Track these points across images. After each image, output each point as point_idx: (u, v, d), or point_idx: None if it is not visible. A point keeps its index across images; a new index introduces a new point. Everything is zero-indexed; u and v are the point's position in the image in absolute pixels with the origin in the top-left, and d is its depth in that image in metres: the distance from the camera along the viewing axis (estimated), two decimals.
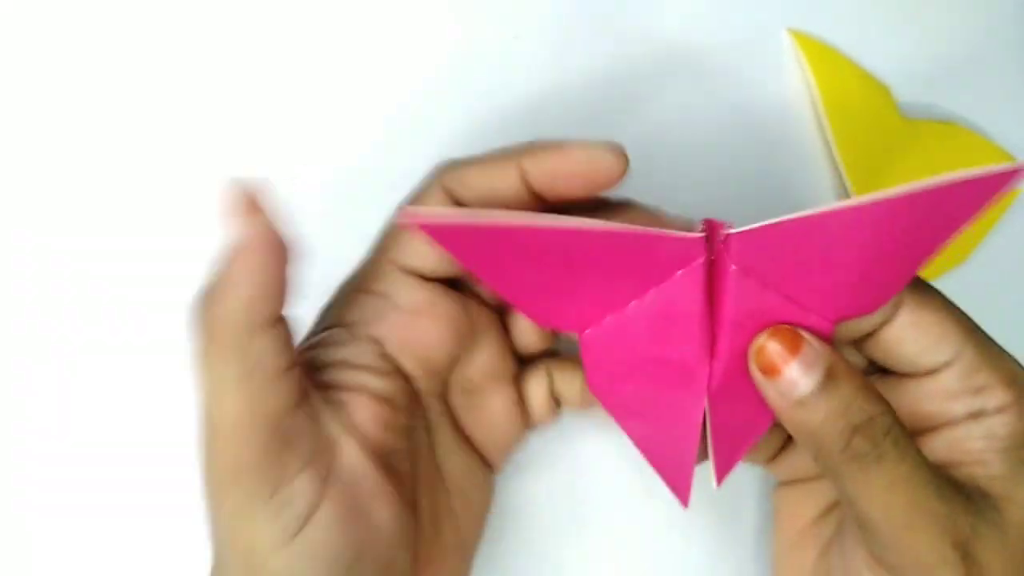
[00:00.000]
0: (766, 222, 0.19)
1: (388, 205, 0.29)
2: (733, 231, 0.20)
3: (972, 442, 0.21)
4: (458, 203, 0.22)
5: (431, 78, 0.30)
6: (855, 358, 0.23)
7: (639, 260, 0.20)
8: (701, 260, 0.20)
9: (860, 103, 0.32)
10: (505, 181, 0.21)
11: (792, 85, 0.32)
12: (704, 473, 0.25)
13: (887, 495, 0.20)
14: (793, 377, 0.20)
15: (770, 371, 0.20)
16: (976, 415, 0.21)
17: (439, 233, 0.19)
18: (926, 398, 0.22)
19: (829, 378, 0.20)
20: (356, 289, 0.23)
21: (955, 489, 0.21)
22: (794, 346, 0.20)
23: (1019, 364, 0.22)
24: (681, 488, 0.24)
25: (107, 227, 0.28)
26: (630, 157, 0.30)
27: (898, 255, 0.20)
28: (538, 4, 0.31)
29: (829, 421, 0.20)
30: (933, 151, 0.32)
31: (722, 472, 0.24)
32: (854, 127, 0.31)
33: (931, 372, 0.22)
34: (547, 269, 0.20)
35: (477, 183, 0.22)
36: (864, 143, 0.31)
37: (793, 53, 0.32)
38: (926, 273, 0.31)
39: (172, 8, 0.29)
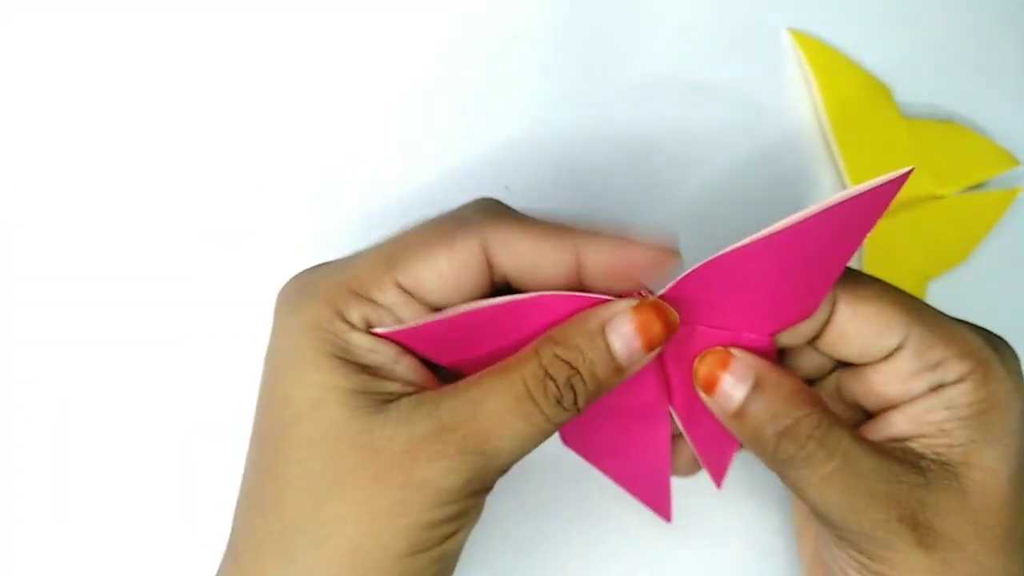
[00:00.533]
0: (682, 275, 0.20)
1: (387, 206, 0.29)
2: (655, 294, 0.21)
3: (934, 414, 0.22)
4: (492, 265, 0.21)
5: (432, 78, 0.30)
6: (820, 359, 0.24)
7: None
8: None
9: (861, 103, 0.32)
10: (556, 263, 0.20)
11: (793, 85, 0.32)
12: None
13: (822, 489, 0.21)
14: (727, 390, 0.21)
15: (708, 388, 0.22)
16: (936, 389, 0.22)
17: (408, 339, 0.21)
18: (887, 382, 0.23)
19: (758, 388, 0.21)
20: (350, 287, 0.21)
21: (903, 465, 0.21)
22: (724, 363, 0.22)
23: (975, 333, 0.23)
24: (661, 507, 0.27)
25: (107, 226, 0.29)
26: (630, 157, 0.31)
27: (817, 265, 0.21)
28: (538, 3, 0.31)
29: (760, 428, 0.21)
30: (933, 150, 0.32)
31: (718, 477, 0.26)
32: (855, 127, 0.32)
33: (886, 358, 0.23)
34: (508, 343, 0.21)
35: (525, 254, 0.20)
36: (865, 142, 0.32)
37: (794, 53, 0.32)
38: (928, 274, 0.32)
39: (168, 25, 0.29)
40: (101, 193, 0.28)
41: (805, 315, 0.22)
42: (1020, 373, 0.23)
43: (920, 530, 0.21)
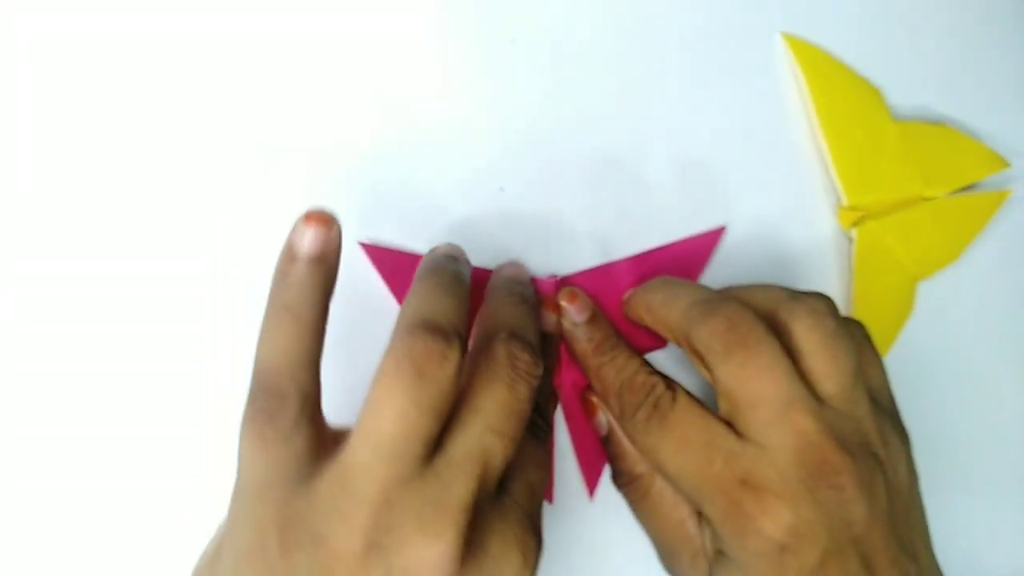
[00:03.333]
0: (576, 272, 0.29)
1: (384, 207, 0.29)
2: (561, 277, 0.29)
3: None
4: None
5: (428, 81, 0.30)
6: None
7: None
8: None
9: (852, 106, 0.32)
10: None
11: (785, 88, 0.32)
12: None
13: (665, 450, 0.25)
14: (570, 312, 0.28)
15: (558, 310, 0.28)
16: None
17: (376, 255, 0.28)
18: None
19: (593, 318, 0.28)
20: None
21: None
22: (573, 297, 0.28)
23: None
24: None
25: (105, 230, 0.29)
26: (623, 160, 0.31)
27: None
28: (533, 6, 0.31)
29: (606, 376, 0.27)
30: (924, 152, 0.32)
31: (591, 485, 0.30)
32: (846, 129, 0.32)
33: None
34: None
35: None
36: (856, 145, 0.32)
37: (786, 56, 0.32)
38: (918, 275, 0.32)
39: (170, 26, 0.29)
40: (101, 193, 0.28)
41: (662, 343, 0.30)
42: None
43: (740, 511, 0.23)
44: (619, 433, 0.28)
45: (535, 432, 0.25)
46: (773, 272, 0.31)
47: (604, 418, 0.28)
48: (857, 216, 0.31)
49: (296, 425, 0.20)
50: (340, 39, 0.30)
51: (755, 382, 0.23)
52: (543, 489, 0.24)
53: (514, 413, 0.22)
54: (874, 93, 0.32)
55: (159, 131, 0.29)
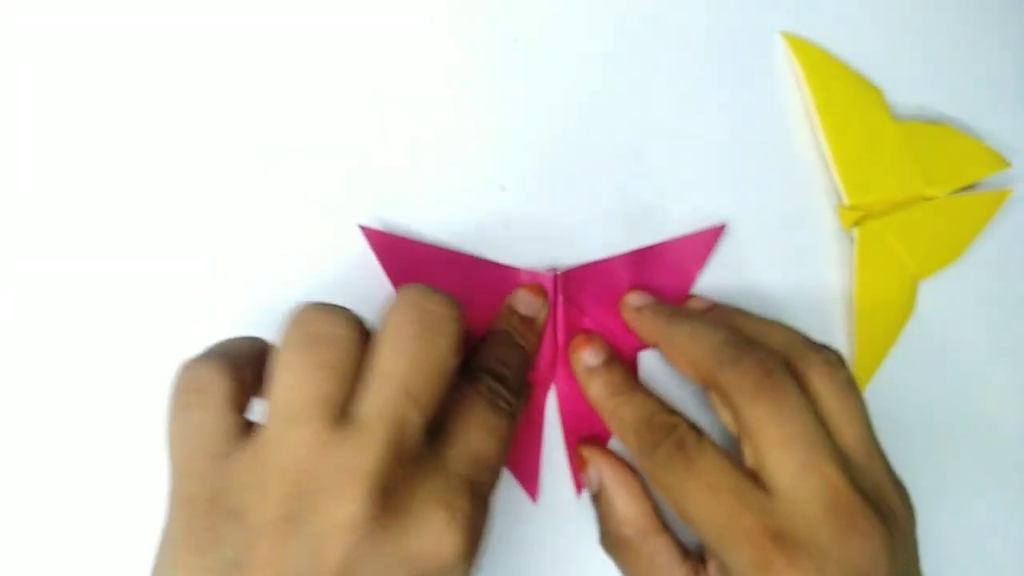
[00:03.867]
0: (574, 265, 0.29)
1: (383, 206, 0.29)
2: (560, 271, 0.29)
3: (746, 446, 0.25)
4: None
5: (428, 81, 0.30)
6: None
7: (505, 287, 0.29)
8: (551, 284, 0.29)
9: (852, 105, 0.32)
10: None
11: (785, 88, 0.32)
12: None
13: (689, 496, 0.24)
14: (585, 357, 0.28)
15: (575, 349, 0.29)
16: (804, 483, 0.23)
17: (376, 239, 0.28)
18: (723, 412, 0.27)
19: (608, 361, 0.28)
20: None
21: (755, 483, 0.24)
22: (590, 340, 0.29)
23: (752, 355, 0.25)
24: (528, 484, 0.29)
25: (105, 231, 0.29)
26: (624, 159, 0.31)
27: (661, 293, 0.29)
28: (534, 6, 0.31)
29: (622, 416, 0.27)
30: (924, 152, 0.32)
31: (580, 481, 0.29)
32: (846, 129, 0.32)
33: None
34: (445, 282, 0.28)
35: None
36: (856, 145, 0.32)
37: (786, 56, 0.32)
38: (919, 274, 0.32)
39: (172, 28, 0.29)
40: (101, 193, 0.28)
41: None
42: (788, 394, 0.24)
43: (762, 556, 0.22)
44: (609, 492, 0.28)
45: (492, 399, 0.24)
46: (774, 272, 0.31)
47: (594, 475, 0.28)
48: (858, 215, 0.31)
49: (222, 406, 0.21)
50: (341, 39, 0.30)
51: (785, 425, 0.23)
52: (495, 458, 0.23)
53: (430, 372, 0.21)
54: (875, 93, 0.32)
55: (159, 131, 0.29)
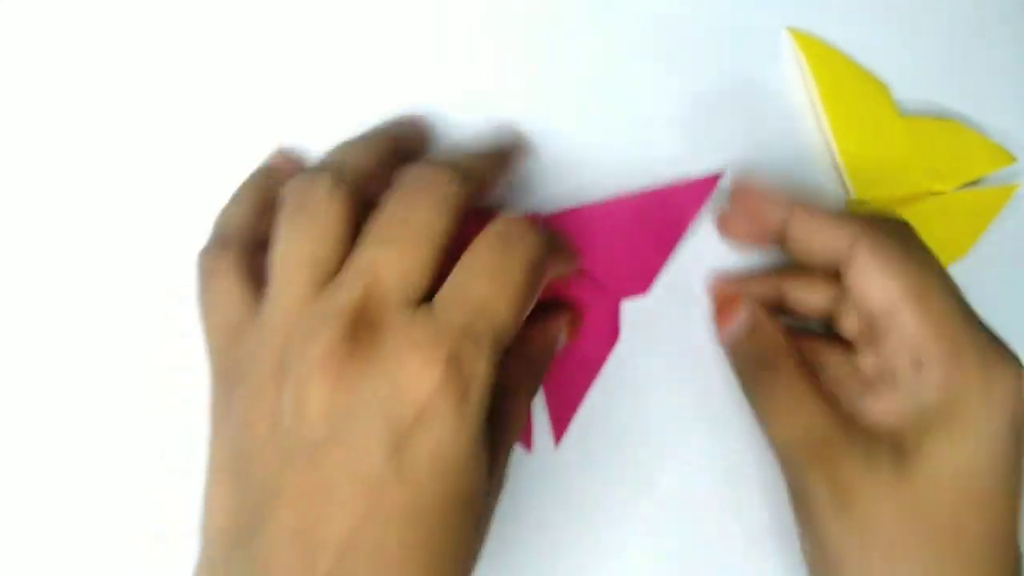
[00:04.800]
0: (556, 210, 0.28)
1: None
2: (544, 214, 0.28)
3: (894, 397, 0.24)
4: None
5: (429, 80, 0.30)
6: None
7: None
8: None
9: (859, 101, 0.32)
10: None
11: (791, 84, 0.32)
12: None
13: (769, 407, 0.26)
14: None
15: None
16: (896, 375, 0.24)
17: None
18: (870, 354, 0.26)
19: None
20: (498, 350, 0.22)
21: (847, 429, 0.25)
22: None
23: (966, 318, 0.24)
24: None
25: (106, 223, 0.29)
26: (627, 157, 0.31)
27: (648, 246, 0.29)
28: (536, 4, 0.31)
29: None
30: (931, 147, 0.32)
31: (559, 432, 0.29)
32: (853, 125, 0.32)
33: (873, 324, 0.25)
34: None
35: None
36: (863, 141, 0.32)
37: (792, 52, 0.32)
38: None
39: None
40: (100, 193, 0.29)
41: (642, 289, 0.30)
42: (1013, 385, 0.23)
43: (840, 490, 0.23)
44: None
45: (493, 238, 0.22)
46: (781, 265, 0.31)
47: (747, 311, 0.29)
48: (864, 210, 0.31)
49: (236, 266, 0.23)
50: (340, 39, 0.30)
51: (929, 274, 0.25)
52: (492, 301, 0.21)
53: (405, 221, 0.21)
54: (881, 88, 0.33)
55: (159, 131, 0.29)
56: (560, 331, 0.27)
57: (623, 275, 0.29)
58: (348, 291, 0.21)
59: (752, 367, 0.28)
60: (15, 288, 0.28)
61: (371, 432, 0.19)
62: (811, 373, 0.27)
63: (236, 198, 0.26)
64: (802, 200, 0.27)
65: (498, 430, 0.22)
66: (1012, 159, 0.33)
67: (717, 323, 0.30)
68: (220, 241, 0.25)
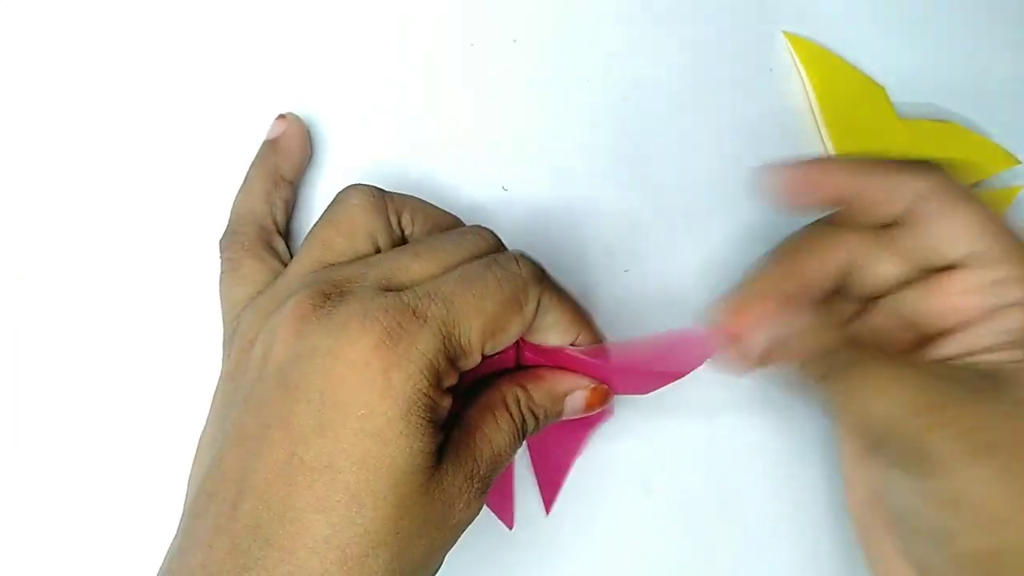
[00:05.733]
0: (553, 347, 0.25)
1: None
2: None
3: (986, 336, 0.23)
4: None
5: (429, 80, 0.31)
6: (886, 270, 0.25)
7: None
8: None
9: (856, 104, 0.32)
10: None
11: (789, 87, 0.32)
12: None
13: (867, 397, 0.23)
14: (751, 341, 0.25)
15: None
16: (993, 310, 0.23)
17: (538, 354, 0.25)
18: (947, 295, 0.24)
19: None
20: (449, 356, 0.22)
21: (950, 380, 0.23)
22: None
23: None
24: (504, 512, 0.28)
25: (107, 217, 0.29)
26: (626, 161, 0.31)
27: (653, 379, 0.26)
28: (536, 7, 0.31)
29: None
30: (931, 150, 0.32)
31: (549, 501, 0.29)
32: (850, 128, 0.32)
33: (952, 266, 0.24)
34: None
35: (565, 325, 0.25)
36: (861, 144, 0.32)
37: (789, 56, 0.32)
38: None
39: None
40: (100, 193, 0.29)
41: (642, 392, 0.27)
42: None
43: (972, 439, 0.22)
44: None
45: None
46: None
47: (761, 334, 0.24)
48: None
49: (253, 249, 0.26)
50: (341, 40, 0.30)
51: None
52: (459, 308, 0.21)
53: (345, 204, 0.24)
54: (879, 91, 0.32)
55: (160, 131, 0.29)
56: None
57: (628, 383, 0.26)
58: (299, 262, 0.24)
59: (828, 362, 0.25)
60: (14, 288, 0.28)
61: (306, 382, 0.20)
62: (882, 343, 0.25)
63: (248, 184, 0.28)
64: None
65: (457, 445, 0.22)
66: (1015, 161, 0.33)
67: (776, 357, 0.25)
68: (238, 227, 0.27)
